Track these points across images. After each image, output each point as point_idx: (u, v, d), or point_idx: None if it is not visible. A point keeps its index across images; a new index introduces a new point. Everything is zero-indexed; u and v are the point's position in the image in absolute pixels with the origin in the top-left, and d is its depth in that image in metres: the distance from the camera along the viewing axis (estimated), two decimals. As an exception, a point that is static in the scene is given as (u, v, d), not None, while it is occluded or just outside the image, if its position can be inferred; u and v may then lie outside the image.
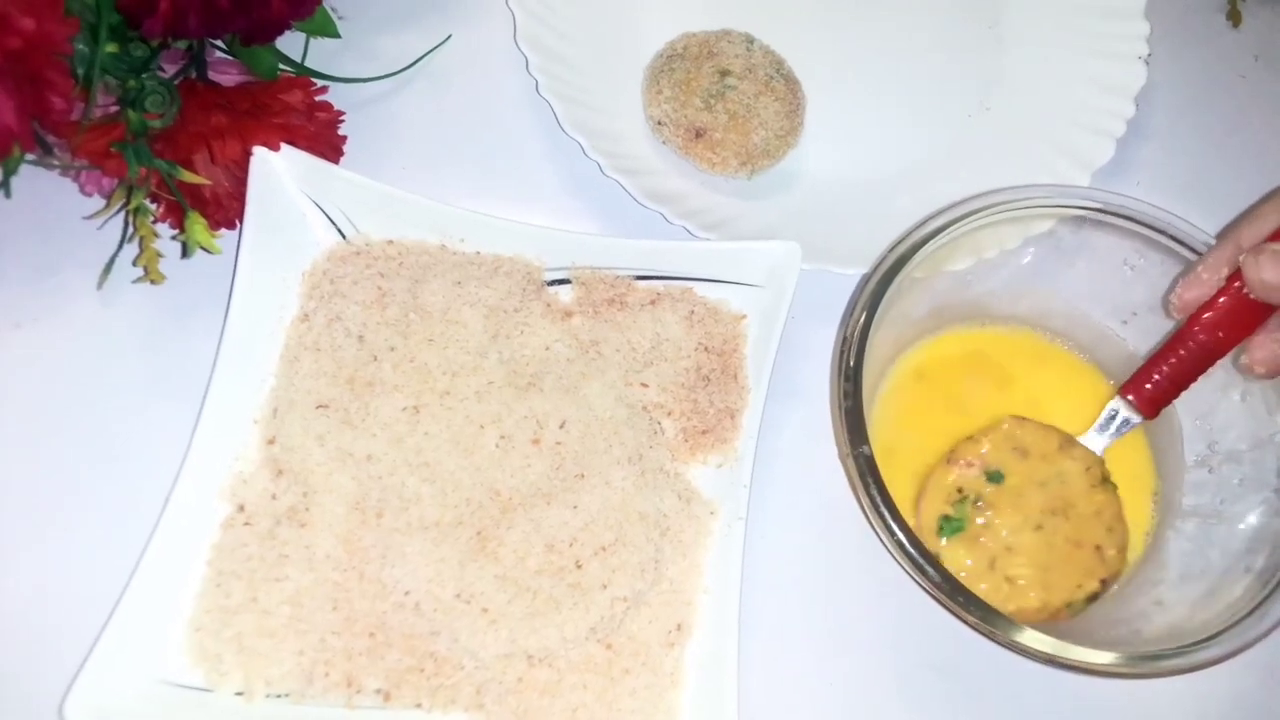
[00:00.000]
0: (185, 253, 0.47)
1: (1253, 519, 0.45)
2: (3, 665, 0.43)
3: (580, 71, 0.56)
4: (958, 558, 0.42)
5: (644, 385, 0.49)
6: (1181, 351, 0.44)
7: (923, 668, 0.47)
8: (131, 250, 0.48)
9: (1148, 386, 0.45)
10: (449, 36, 0.57)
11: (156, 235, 0.46)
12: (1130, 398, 0.46)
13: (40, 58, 0.41)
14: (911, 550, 0.40)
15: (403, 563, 0.44)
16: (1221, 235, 0.44)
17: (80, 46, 0.44)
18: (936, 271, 0.49)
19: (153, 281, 0.46)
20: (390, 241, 0.50)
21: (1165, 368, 0.44)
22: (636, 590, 0.44)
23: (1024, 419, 0.45)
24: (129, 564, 0.42)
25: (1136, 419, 0.46)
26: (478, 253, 0.51)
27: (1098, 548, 0.42)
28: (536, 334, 0.49)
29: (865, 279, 0.46)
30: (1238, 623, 0.40)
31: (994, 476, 0.43)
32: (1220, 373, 0.48)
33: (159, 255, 0.46)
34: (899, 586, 0.45)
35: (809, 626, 0.47)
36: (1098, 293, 0.50)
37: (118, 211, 0.47)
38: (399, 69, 0.56)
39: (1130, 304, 0.50)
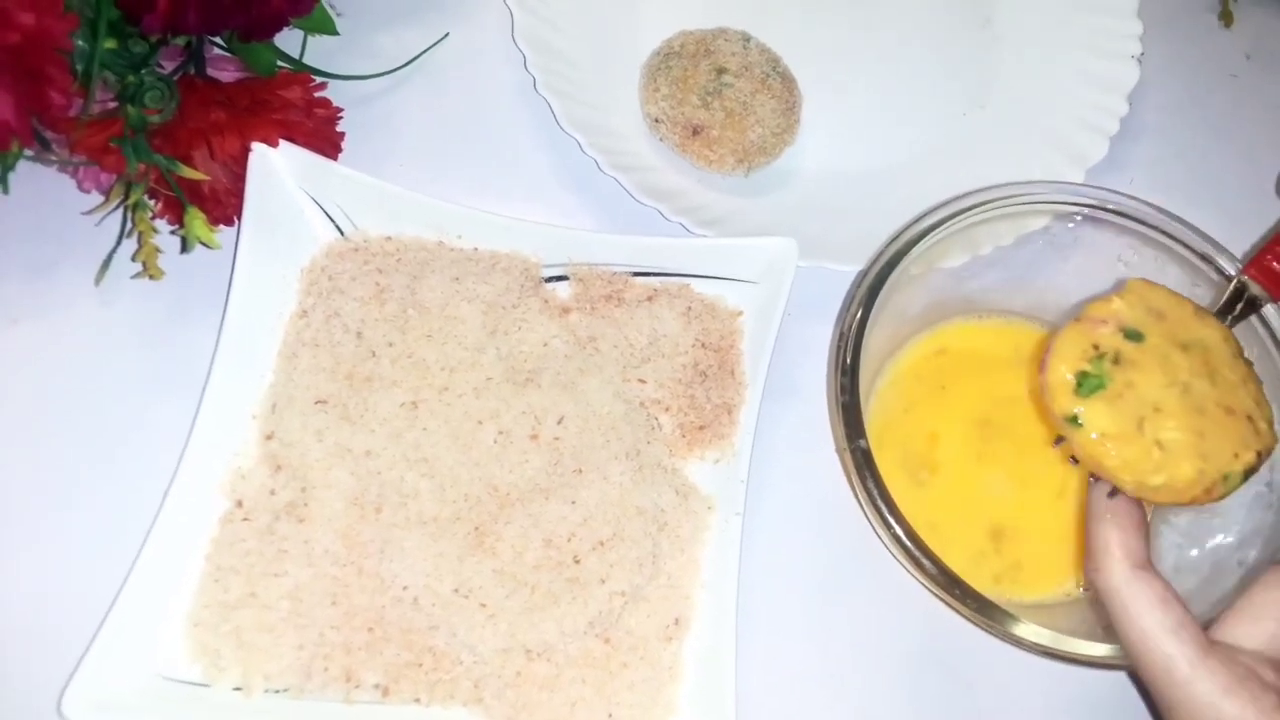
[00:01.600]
0: (184, 248, 0.47)
1: (1244, 513, 0.45)
2: (1, 661, 0.43)
3: (578, 68, 0.56)
4: (1101, 418, 0.37)
5: (641, 381, 0.49)
6: None
7: (920, 661, 0.47)
8: (129, 247, 0.48)
9: (1276, 265, 0.40)
10: (447, 34, 0.57)
11: (155, 231, 0.46)
12: (1256, 277, 0.41)
13: (40, 53, 0.41)
14: (908, 544, 0.41)
15: (401, 558, 0.44)
16: None
17: (79, 42, 0.44)
18: (932, 268, 0.50)
19: (151, 277, 0.46)
20: (388, 238, 0.50)
21: None
22: (634, 585, 0.44)
23: (1152, 282, 0.40)
24: (127, 559, 0.42)
25: (1265, 299, 0.42)
26: (476, 249, 0.51)
27: (1249, 418, 0.37)
28: (534, 330, 0.49)
29: (861, 275, 0.47)
30: (1231, 615, 0.41)
31: (1132, 335, 0.38)
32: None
33: (158, 251, 0.46)
34: (896, 580, 0.46)
35: (807, 620, 0.48)
36: (1092, 289, 0.51)
37: (116, 207, 0.46)
38: (397, 66, 0.56)
39: (1124, 300, 0.50)
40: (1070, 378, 0.37)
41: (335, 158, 0.50)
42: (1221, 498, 0.37)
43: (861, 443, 0.42)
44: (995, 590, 0.46)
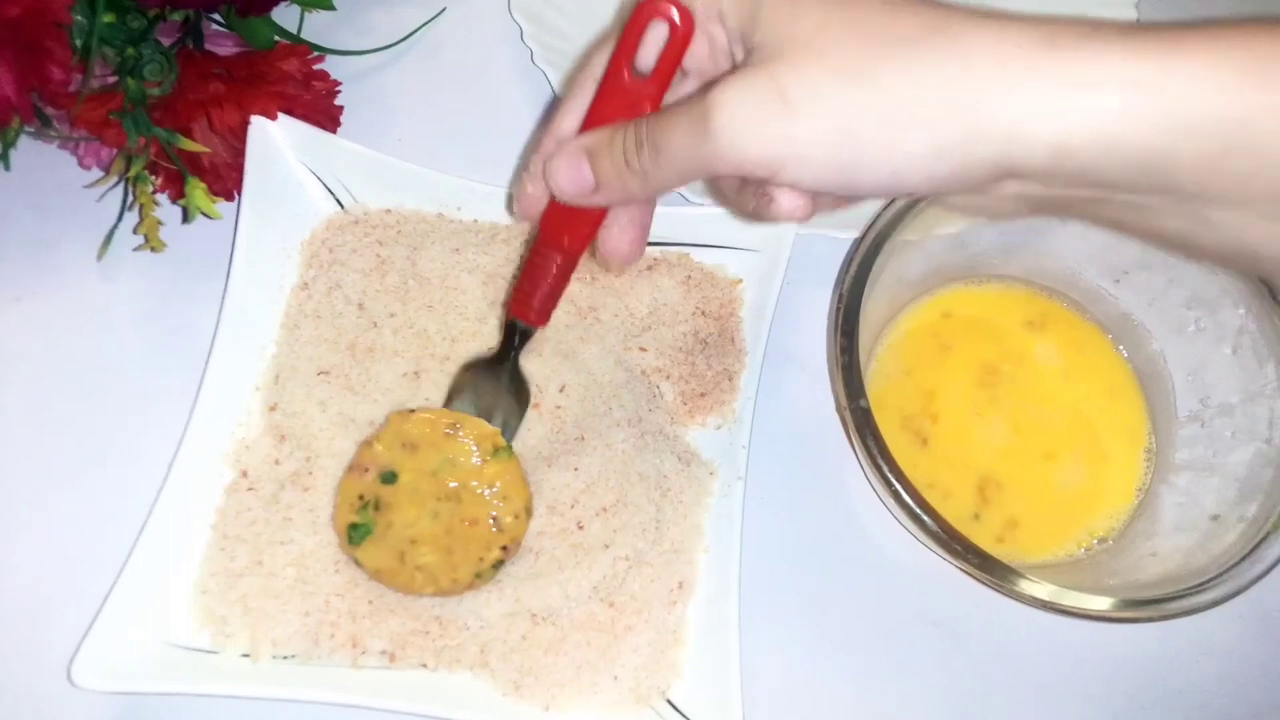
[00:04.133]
0: (186, 218, 0.47)
1: (1244, 470, 0.45)
2: (12, 631, 0.44)
3: (574, 41, 0.56)
4: (372, 559, 0.43)
5: (642, 349, 0.50)
6: (541, 260, 0.41)
7: (921, 621, 0.48)
8: (131, 222, 0.48)
9: (533, 302, 0.42)
10: (443, 10, 0.58)
11: (156, 204, 0.47)
12: (518, 313, 0.43)
13: (39, 27, 0.41)
14: (908, 499, 0.41)
15: (406, 525, 0.44)
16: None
17: (78, 17, 0.44)
18: (929, 234, 0.50)
19: (153, 249, 0.47)
20: (388, 210, 0.51)
21: (541, 280, 0.42)
22: (638, 549, 0.45)
23: (411, 412, 0.44)
24: (135, 530, 0.42)
25: (530, 330, 0.44)
26: (475, 221, 0.51)
27: (494, 518, 0.43)
28: (535, 300, 0.50)
29: (858, 242, 0.47)
30: (1232, 568, 0.41)
31: (388, 477, 0.44)
32: (1212, 328, 0.48)
33: (159, 223, 0.47)
34: (897, 542, 0.46)
35: (808, 582, 0.48)
36: (1089, 252, 0.51)
37: (117, 182, 0.47)
38: (395, 41, 0.56)
39: (1121, 263, 0.51)
40: (345, 531, 0.43)
41: (334, 131, 0.50)
42: (486, 584, 0.44)
43: (862, 402, 0.43)
44: (998, 550, 0.46)
